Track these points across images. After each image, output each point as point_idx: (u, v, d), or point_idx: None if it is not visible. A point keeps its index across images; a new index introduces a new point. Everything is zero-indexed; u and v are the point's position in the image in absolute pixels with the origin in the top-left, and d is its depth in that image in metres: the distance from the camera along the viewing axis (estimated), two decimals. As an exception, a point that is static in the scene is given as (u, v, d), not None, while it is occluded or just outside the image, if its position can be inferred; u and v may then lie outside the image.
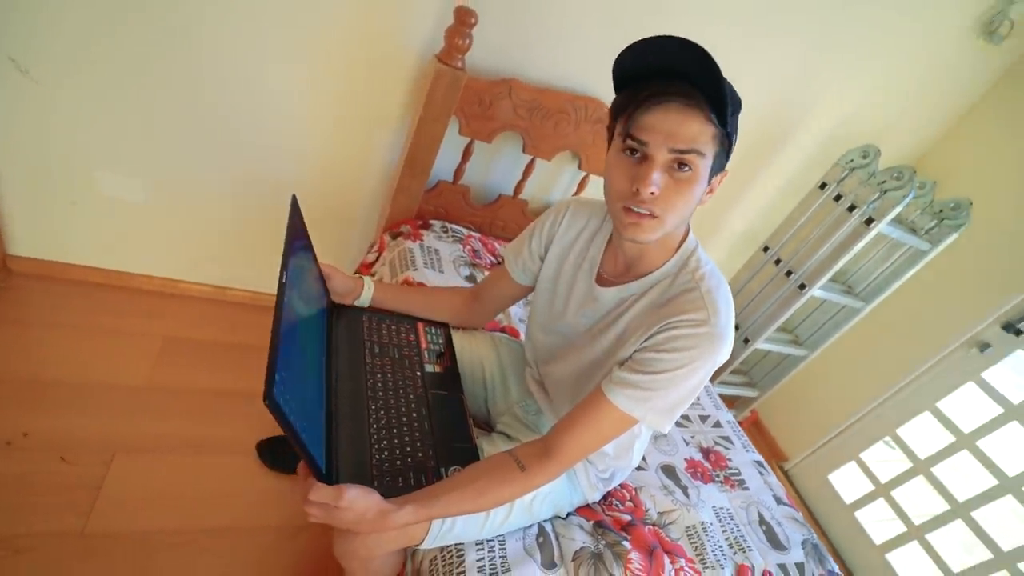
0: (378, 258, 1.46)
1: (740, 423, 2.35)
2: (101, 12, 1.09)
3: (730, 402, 2.37)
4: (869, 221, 1.56)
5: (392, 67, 1.32)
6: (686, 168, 0.64)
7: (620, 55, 0.64)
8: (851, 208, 1.60)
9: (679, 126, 0.62)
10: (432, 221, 1.53)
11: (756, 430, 2.41)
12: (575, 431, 0.74)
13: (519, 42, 1.34)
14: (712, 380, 2.03)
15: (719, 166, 0.67)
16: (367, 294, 0.99)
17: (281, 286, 0.62)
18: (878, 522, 1.98)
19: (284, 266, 0.65)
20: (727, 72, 0.59)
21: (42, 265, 1.44)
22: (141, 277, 1.54)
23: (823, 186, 1.71)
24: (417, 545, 0.79)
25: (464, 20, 1.18)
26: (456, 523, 0.80)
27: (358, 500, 0.66)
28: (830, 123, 1.75)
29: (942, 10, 1.56)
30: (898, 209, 1.50)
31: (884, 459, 2.05)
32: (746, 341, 1.90)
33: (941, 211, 1.69)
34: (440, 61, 1.23)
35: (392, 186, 1.46)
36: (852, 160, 1.65)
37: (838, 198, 1.66)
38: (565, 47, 1.37)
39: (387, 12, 1.23)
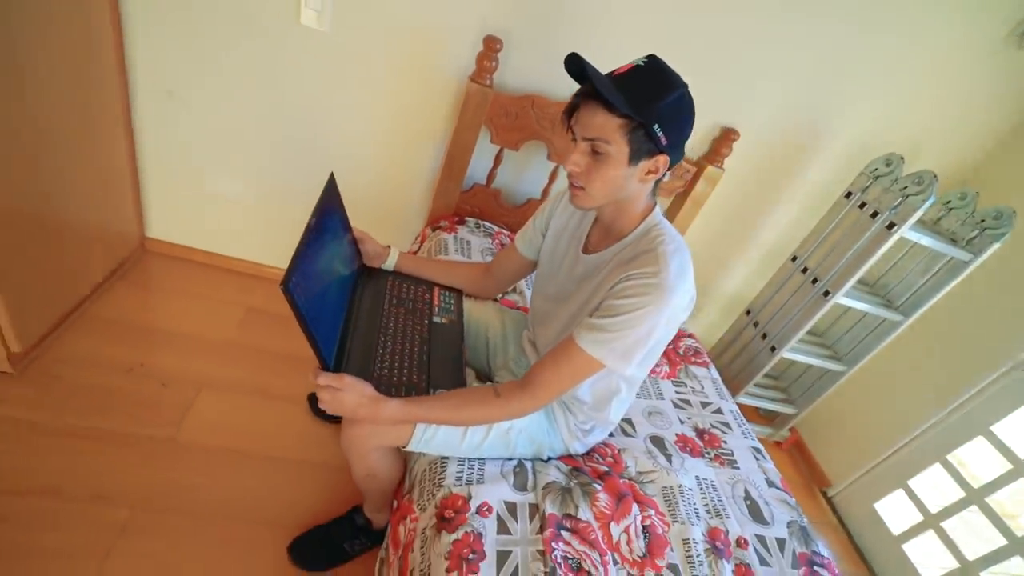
0: (419, 248, 1.71)
1: (780, 444, 2.29)
2: (223, 44, 1.47)
3: (768, 419, 2.32)
4: (891, 226, 1.56)
5: (437, 89, 1.59)
6: (599, 152, 0.81)
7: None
8: (874, 214, 1.62)
9: (587, 118, 0.80)
10: (468, 218, 1.76)
11: (798, 452, 2.32)
12: (547, 369, 0.89)
13: (540, 64, 1.57)
14: (738, 391, 2.03)
15: (644, 150, 0.79)
16: (392, 259, 1.22)
17: (309, 224, 0.86)
18: (930, 556, 1.83)
19: (315, 212, 0.89)
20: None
21: (167, 246, 1.85)
22: (236, 260, 1.91)
23: (848, 195, 1.73)
24: (403, 446, 0.96)
25: (491, 46, 1.43)
26: (437, 434, 0.96)
27: (355, 385, 0.86)
28: (860, 134, 1.78)
29: (976, 18, 1.57)
30: (919, 213, 1.50)
31: (936, 485, 1.90)
32: (772, 349, 1.90)
33: (983, 220, 1.64)
34: (472, 80, 1.48)
35: (434, 188, 1.72)
36: (876, 168, 1.67)
37: (862, 205, 1.67)
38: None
39: (434, 44, 1.51)
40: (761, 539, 1.12)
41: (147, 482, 1.23)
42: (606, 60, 0.88)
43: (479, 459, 1.03)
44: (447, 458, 1.00)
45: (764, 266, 2.09)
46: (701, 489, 1.18)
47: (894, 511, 1.95)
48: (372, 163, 1.72)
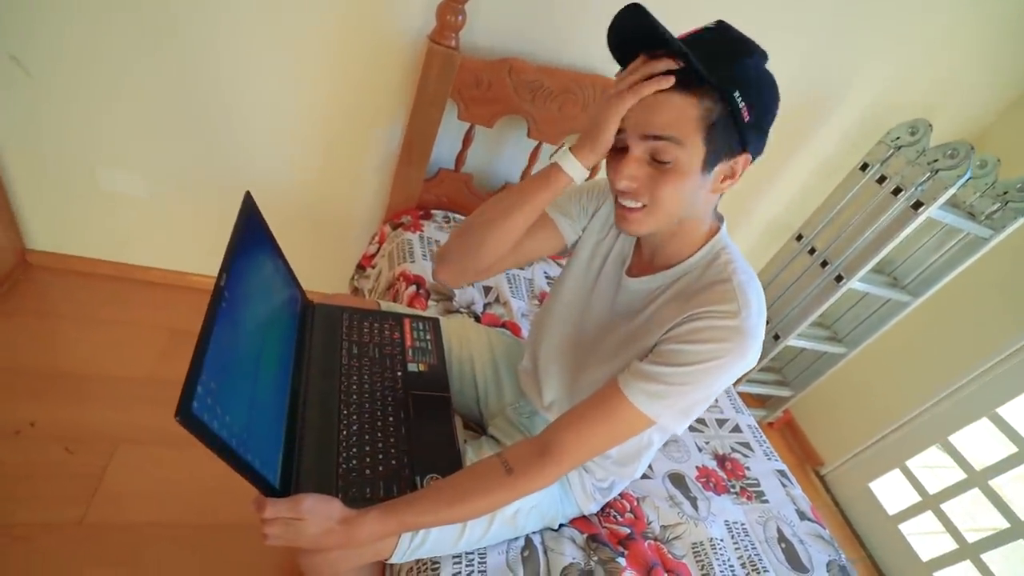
0: (378, 250, 1.43)
1: (771, 424, 2.22)
2: (94, 10, 1.08)
3: (760, 401, 2.23)
4: (917, 205, 1.39)
5: (384, 53, 1.26)
6: (661, 160, 0.58)
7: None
8: (896, 191, 1.44)
9: (650, 110, 0.56)
10: (434, 211, 1.47)
11: (789, 432, 2.25)
12: (579, 428, 0.66)
13: (518, 18, 1.25)
14: (735, 383, 1.90)
15: (723, 148, 0.58)
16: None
17: (218, 289, 0.57)
18: (926, 536, 1.81)
19: (225, 267, 0.60)
20: (753, 29, 0.52)
21: (58, 259, 1.47)
22: (151, 270, 1.56)
23: (864, 167, 1.54)
24: (385, 559, 0.74)
25: (455, -5, 1.10)
26: (428, 538, 0.74)
27: (317, 509, 0.62)
28: (872, 96, 1.57)
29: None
30: (952, 191, 1.33)
31: (934, 466, 1.87)
32: (776, 338, 1.76)
33: (1006, 192, 1.49)
34: (432, 41, 1.16)
35: (391, 177, 1.41)
36: (899, 137, 1.48)
37: (881, 180, 1.49)
38: (567, 21, 1.27)
39: (377, -8, 1.17)
40: (803, 591, 0.98)
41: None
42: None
43: (478, 549, 0.82)
44: (438, 558, 0.79)
45: (765, 243, 1.91)
46: (733, 537, 1.03)
47: (891, 491, 1.91)
48: (308, 150, 1.39)
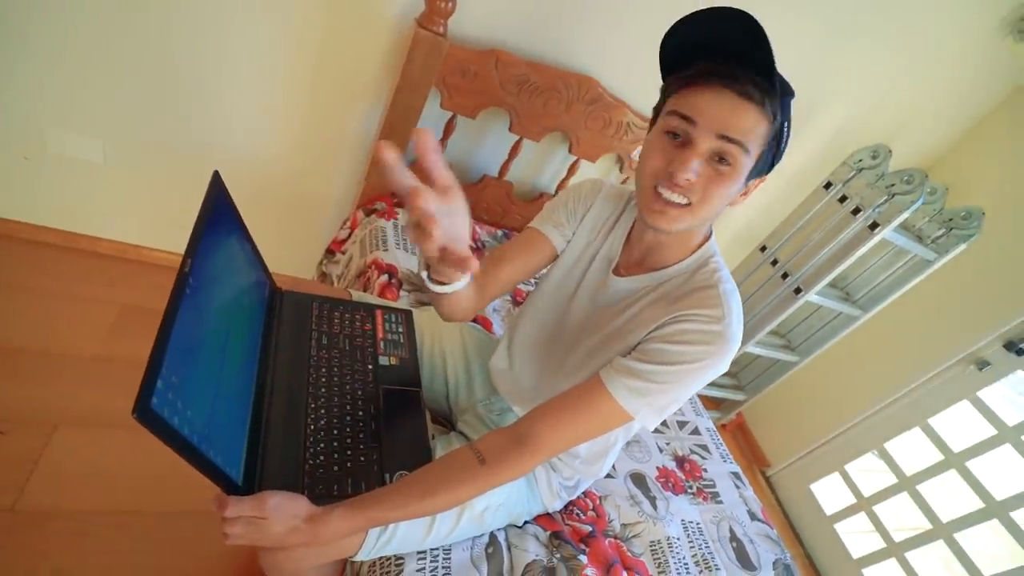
0: (350, 235, 1.39)
1: (724, 425, 2.31)
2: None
3: (715, 404, 2.31)
4: (874, 226, 1.47)
5: (368, 32, 1.22)
6: (726, 162, 0.59)
7: (671, 28, 0.59)
8: (856, 211, 1.51)
9: (733, 114, 0.57)
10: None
11: (740, 434, 2.35)
12: (558, 419, 0.67)
13: (509, 9, 1.23)
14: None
15: (760, 169, 0.63)
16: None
17: (182, 275, 0.54)
18: (858, 535, 1.94)
19: (190, 252, 0.56)
20: None
21: (1, 225, 1.36)
22: (102, 241, 1.46)
23: (828, 186, 1.62)
24: (351, 557, 0.72)
25: (447, -20, 1.08)
26: (396, 534, 0.73)
27: (282, 507, 0.60)
28: (840, 119, 1.64)
29: (969, 4, 1.45)
30: (905, 215, 1.41)
31: (870, 470, 1.99)
32: (735, 344, 1.82)
33: (951, 219, 1.60)
34: (420, 25, 1.13)
35: (367, 161, 1.37)
36: (861, 160, 1.55)
37: (843, 199, 1.56)
38: (558, 17, 1.26)
39: (365, -32, 1.13)
40: (750, 589, 1.03)
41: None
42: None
43: (443, 546, 0.81)
44: (402, 554, 0.78)
45: (730, 252, 1.97)
46: (688, 536, 1.07)
47: (829, 493, 2.03)
48: (284, 123, 1.33)
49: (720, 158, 0.59)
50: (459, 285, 0.67)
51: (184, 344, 0.52)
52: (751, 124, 0.57)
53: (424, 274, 0.66)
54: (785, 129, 0.61)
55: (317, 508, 0.63)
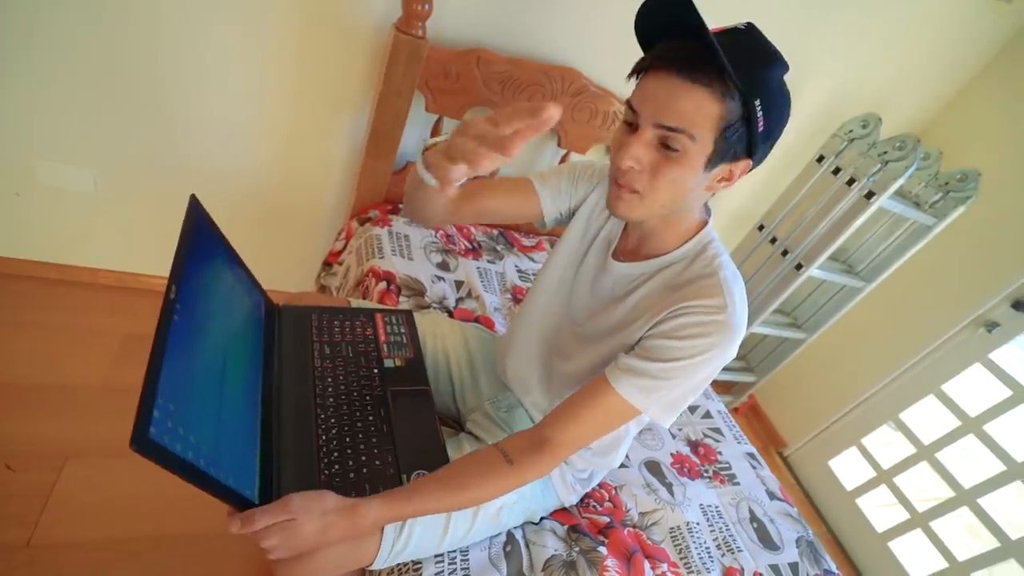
0: (345, 246, 1.38)
1: (737, 409, 2.29)
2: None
3: (726, 387, 2.30)
4: (870, 195, 1.46)
5: (348, 41, 1.21)
6: (673, 149, 0.57)
7: (635, 18, 0.57)
8: (850, 182, 1.50)
9: (671, 99, 0.55)
10: (402, 205, 1.44)
11: (754, 416, 2.33)
12: (572, 421, 0.68)
13: (486, 8, 1.23)
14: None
15: (729, 151, 0.58)
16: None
17: (168, 303, 0.53)
18: (880, 509, 1.91)
19: (174, 279, 0.56)
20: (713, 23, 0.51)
21: (-4, 262, 1.36)
22: (100, 272, 1.47)
23: (820, 159, 1.61)
24: (368, 566, 0.71)
25: (422, -17, 1.08)
26: (411, 539, 0.72)
27: (308, 504, 0.59)
28: (828, 91, 1.63)
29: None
30: (900, 181, 1.40)
31: (887, 442, 1.97)
32: (741, 325, 1.81)
33: (947, 183, 1.59)
34: (398, 30, 1.13)
35: (357, 170, 1.37)
36: (851, 130, 1.54)
37: (836, 171, 1.55)
38: (536, 12, 1.26)
39: (339, -23, 1.13)
40: (775, 568, 1.03)
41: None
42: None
43: (461, 548, 0.81)
44: (420, 559, 0.77)
45: (729, 234, 1.96)
46: (708, 520, 1.06)
47: (848, 468, 2.01)
48: (270, 140, 1.33)
49: (666, 143, 0.57)
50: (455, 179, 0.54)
51: (178, 370, 0.51)
52: (692, 108, 0.54)
53: (421, 162, 0.59)
54: (756, 107, 0.54)
55: (347, 500, 0.62)
